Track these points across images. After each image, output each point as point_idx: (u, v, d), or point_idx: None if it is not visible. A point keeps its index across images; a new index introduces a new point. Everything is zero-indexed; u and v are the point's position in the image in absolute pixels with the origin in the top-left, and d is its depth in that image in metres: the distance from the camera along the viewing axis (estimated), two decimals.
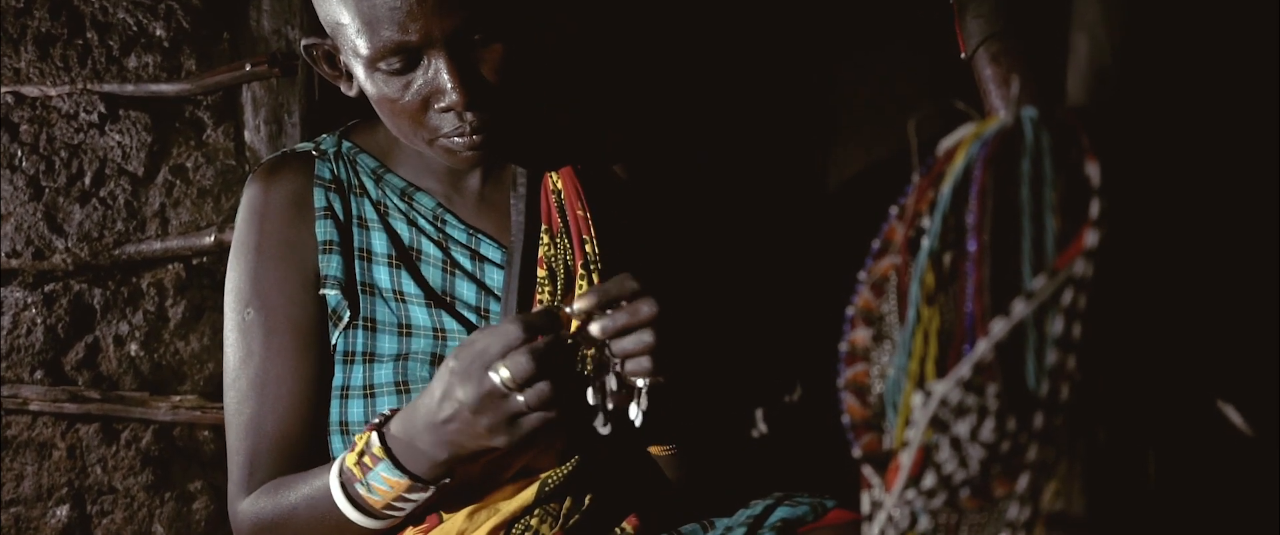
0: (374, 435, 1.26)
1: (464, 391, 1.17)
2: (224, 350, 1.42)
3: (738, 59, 2.05)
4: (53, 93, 1.88)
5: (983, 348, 0.73)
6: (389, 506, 1.27)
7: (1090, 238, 0.71)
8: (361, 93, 1.36)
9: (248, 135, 1.91)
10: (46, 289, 1.91)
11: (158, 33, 1.89)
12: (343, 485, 1.27)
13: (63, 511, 1.93)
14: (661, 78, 2.04)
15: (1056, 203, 0.73)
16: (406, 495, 1.25)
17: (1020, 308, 0.72)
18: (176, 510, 1.95)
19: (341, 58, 1.35)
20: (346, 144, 1.47)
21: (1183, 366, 0.76)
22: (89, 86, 1.88)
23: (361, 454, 1.26)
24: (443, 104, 1.27)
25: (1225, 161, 0.78)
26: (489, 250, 1.42)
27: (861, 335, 0.82)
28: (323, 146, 1.47)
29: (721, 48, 2.05)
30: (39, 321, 1.90)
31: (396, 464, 1.24)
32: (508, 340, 1.15)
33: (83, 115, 1.90)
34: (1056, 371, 0.71)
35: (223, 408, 1.43)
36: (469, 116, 1.28)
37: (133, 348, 1.93)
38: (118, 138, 1.91)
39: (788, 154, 2.10)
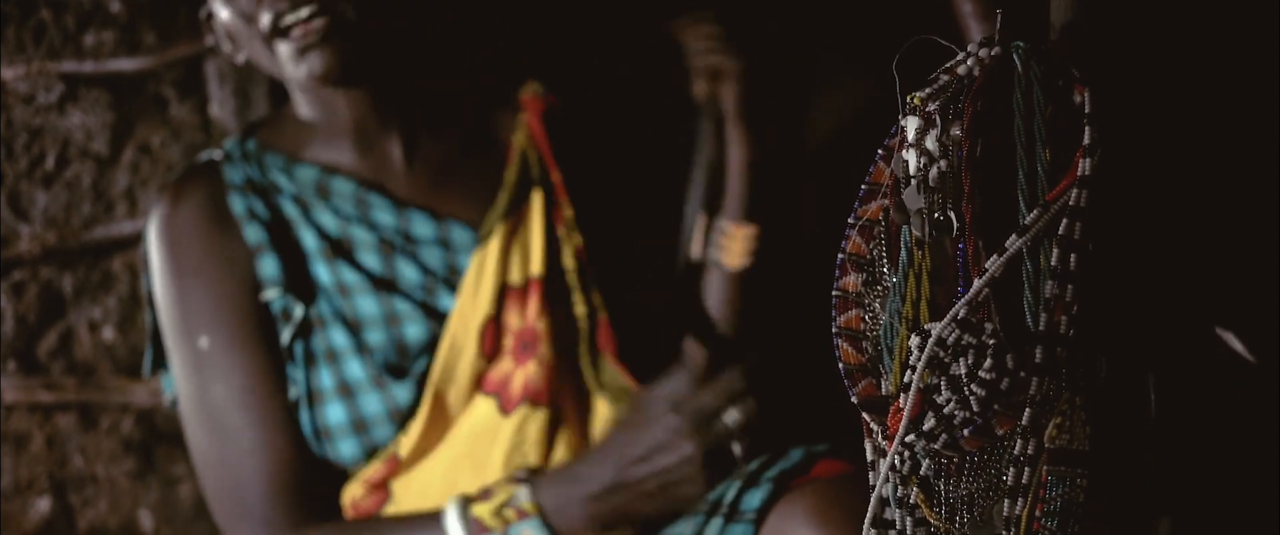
0: (522, 489, 1.23)
1: (690, 447, 1.17)
2: (179, 389, 1.37)
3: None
4: (9, 75, 1.85)
5: (978, 285, 0.72)
6: None
7: (1084, 166, 0.71)
8: (248, 57, 1.34)
9: (214, 109, 1.89)
10: (14, 278, 1.88)
11: (114, 8, 1.86)
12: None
13: (44, 503, 1.91)
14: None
15: (1047, 133, 0.72)
16: None
17: (1015, 242, 0.72)
18: (162, 496, 1.94)
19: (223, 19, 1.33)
20: (251, 143, 1.42)
21: (1183, 295, 0.75)
22: (46, 66, 1.85)
23: (503, 505, 1.22)
24: None
25: (1219, 85, 0.78)
26: (422, 227, 1.37)
27: (852, 280, 0.82)
28: (227, 150, 1.42)
29: None
30: (8, 311, 1.88)
31: (545, 523, 1.21)
32: (732, 390, 1.20)
33: (41, 97, 1.87)
34: (1054, 303, 0.71)
35: None
36: None
37: (107, 332, 1.91)
38: (79, 118, 1.88)
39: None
